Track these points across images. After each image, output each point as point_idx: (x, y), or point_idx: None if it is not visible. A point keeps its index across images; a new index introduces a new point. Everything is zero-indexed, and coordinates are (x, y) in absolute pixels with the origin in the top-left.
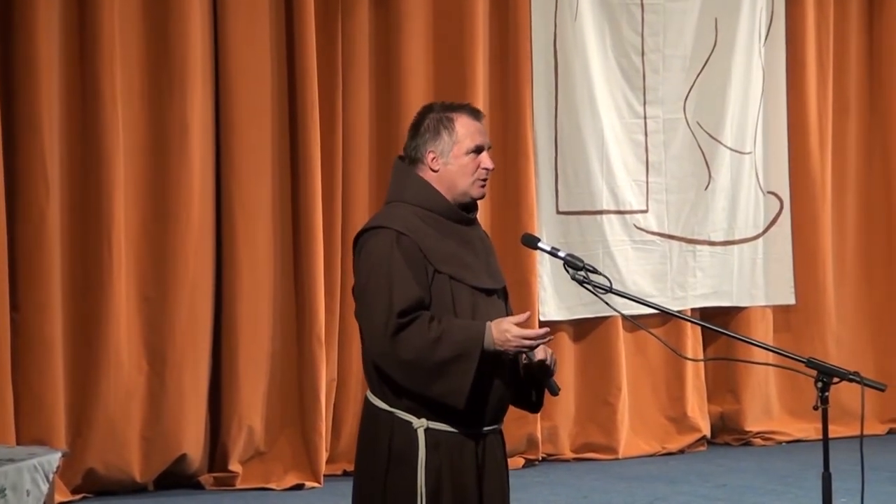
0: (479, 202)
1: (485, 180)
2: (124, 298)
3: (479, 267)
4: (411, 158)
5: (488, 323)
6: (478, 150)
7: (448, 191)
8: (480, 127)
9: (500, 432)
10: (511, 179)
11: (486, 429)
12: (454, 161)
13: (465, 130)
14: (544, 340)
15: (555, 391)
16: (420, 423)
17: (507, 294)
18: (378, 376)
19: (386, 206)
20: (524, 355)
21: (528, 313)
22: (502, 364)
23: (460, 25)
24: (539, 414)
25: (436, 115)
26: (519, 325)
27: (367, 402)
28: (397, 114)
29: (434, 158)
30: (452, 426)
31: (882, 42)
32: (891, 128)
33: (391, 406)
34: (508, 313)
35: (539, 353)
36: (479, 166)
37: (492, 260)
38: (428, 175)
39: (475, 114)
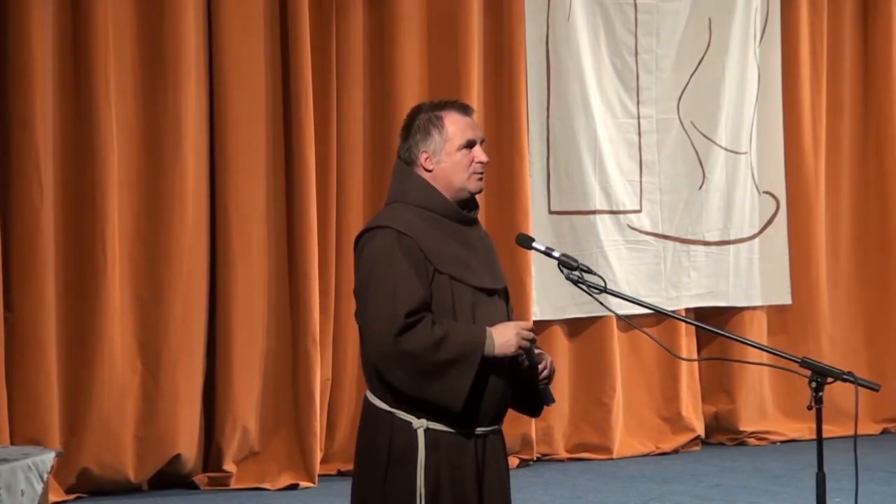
0: (478, 201)
1: (481, 174)
2: (118, 298)
3: (480, 267)
4: (406, 161)
5: (488, 328)
6: (470, 145)
7: (446, 189)
8: (471, 122)
9: (501, 433)
10: (505, 179)
11: (485, 429)
12: (447, 158)
13: (455, 127)
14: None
15: (549, 401)
16: (420, 424)
17: (509, 294)
18: (378, 376)
19: (387, 206)
20: (523, 358)
21: (530, 323)
22: (502, 365)
23: (454, 25)
24: None
25: (425, 116)
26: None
27: (366, 401)
28: (392, 113)
29: (427, 158)
30: (452, 427)
31: (876, 43)
32: (884, 128)
33: (391, 406)
34: (509, 314)
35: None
36: (472, 161)
37: (493, 260)
38: (424, 175)
39: (464, 109)
